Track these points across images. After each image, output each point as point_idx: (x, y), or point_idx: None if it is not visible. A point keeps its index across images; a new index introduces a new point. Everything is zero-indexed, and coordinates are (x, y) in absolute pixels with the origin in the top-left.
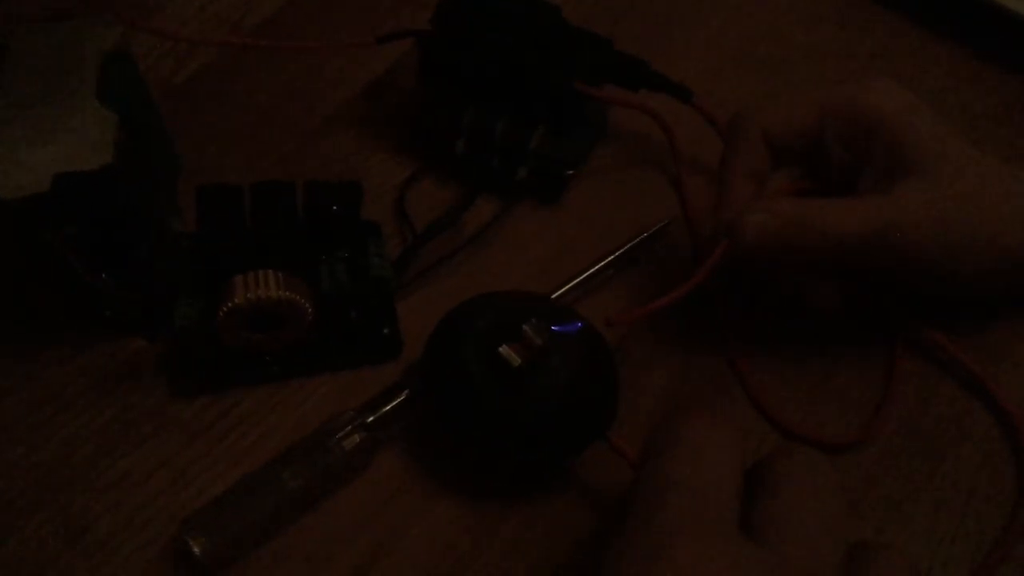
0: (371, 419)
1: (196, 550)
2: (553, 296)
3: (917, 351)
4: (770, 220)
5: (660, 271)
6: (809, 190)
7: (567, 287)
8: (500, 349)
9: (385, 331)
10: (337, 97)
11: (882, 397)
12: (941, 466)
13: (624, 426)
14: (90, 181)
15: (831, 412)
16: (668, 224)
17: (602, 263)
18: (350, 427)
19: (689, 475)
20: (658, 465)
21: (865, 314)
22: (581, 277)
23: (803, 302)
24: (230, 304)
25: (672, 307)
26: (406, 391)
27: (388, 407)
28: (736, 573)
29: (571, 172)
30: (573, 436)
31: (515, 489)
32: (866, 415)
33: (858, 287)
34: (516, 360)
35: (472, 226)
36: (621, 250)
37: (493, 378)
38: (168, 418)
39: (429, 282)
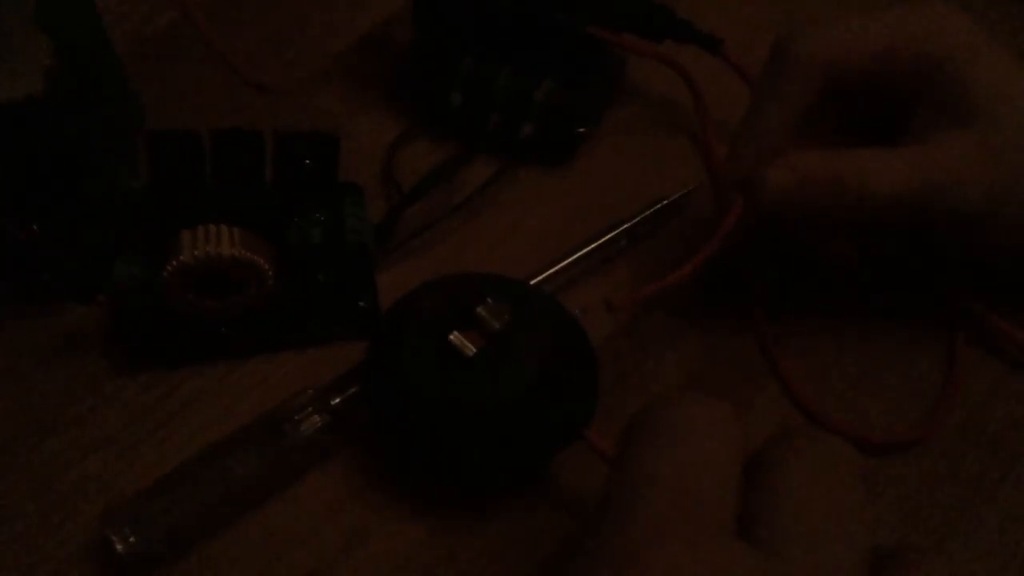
0: (336, 400)
1: (119, 547)
2: (535, 280)
3: (981, 341)
4: (793, 178)
5: (681, 246)
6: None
7: (555, 268)
8: (451, 337)
9: (361, 303)
10: (325, 50)
11: (941, 391)
12: (1012, 472)
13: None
14: (13, 112)
15: (880, 407)
16: (691, 192)
17: (605, 238)
18: (310, 408)
19: (672, 467)
20: (637, 456)
21: (916, 292)
22: (573, 257)
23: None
24: (176, 262)
25: (686, 285)
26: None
27: (356, 388)
28: None
29: (582, 130)
30: (540, 436)
31: (490, 491)
32: (920, 411)
33: (898, 251)
34: (470, 349)
35: (468, 189)
36: (632, 222)
37: (443, 372)
38: (107, 395)
39: (416, 251)
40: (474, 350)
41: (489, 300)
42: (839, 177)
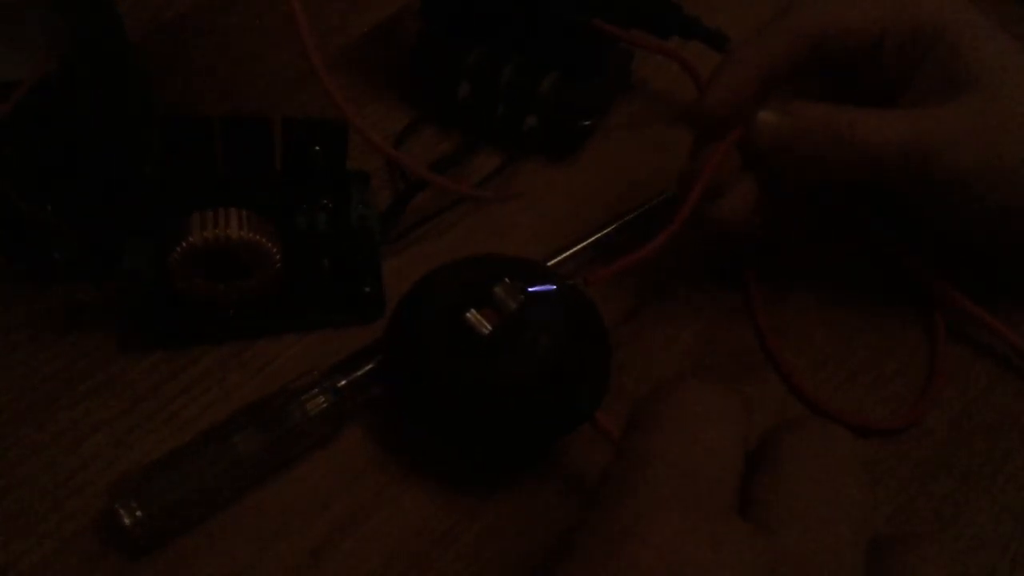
0: (342, 383)
1: (126, 520)
2: (551, 263)
3: (976, 335)
4: (789, 122)
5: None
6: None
7: (569, 252)
8: (467, 315)
9: (367, 289)
10: (337, 41)
11: (927, 375)
12: (1006, 465)
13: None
14: (31, 94)
15: (878, 397)
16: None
17: (613, 226)
18: (316, 389)
19: (676, 448)
20: (641, 437)
21: (898, 276)
22: (587, 242)
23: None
24: (184, 244)
25: (685, 276)
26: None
27: (362, 371)
28: (722, 557)
29: (587, 123)
30: (552, 417)
31: (495, 472)
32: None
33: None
34: (485, 328)
35: (473, 180)
36: (637, 211)
37: (459, 350)
38: (113, 375)
39: (421, 239)
40: (489, 328)
41: (506, 280)
42: (835, 125)
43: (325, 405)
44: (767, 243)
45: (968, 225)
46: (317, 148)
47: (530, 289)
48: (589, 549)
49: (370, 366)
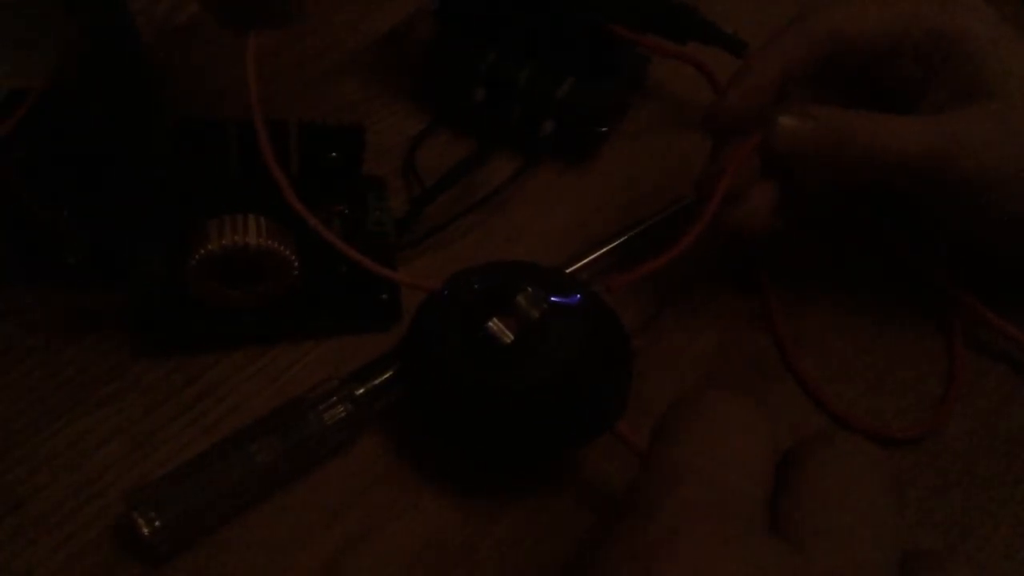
0: (360, 391)
1: (145, 530)
2: (570, 269)
3: (995, 344)
4: (809, 126)
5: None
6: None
7: (587, 259)
8: (489, 324)
9: (383, 296)
10: (350, 44)
11: (946, 383)
12: None
13: (645, 418)
14: (44, 98)
15: (897, 406)
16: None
17: (630, 233)
18: (334, 398)
19: (705, 461)
20: (668, 450)
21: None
22: (605, 249)
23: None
24: (202, 251)
25: (703, 284)
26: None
27: (379, 380)
28: (752, 573)
29: (604, 129)
30: (574, 426)
31: (513, 481)
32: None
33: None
34: (507, 337)
35: (489, 185)
36: (655, 219)
37: (479, 358)
38: (130, 380)
39: (437, 245)
40: (512, 337)
41: (528, 289)
42: (852, 130)
43: (343, 415)
44: (773, 245)
45: (983, 230)
46: (333, 154)
47: (553, 299)
48: (617, 564)
49: (388, 374)
